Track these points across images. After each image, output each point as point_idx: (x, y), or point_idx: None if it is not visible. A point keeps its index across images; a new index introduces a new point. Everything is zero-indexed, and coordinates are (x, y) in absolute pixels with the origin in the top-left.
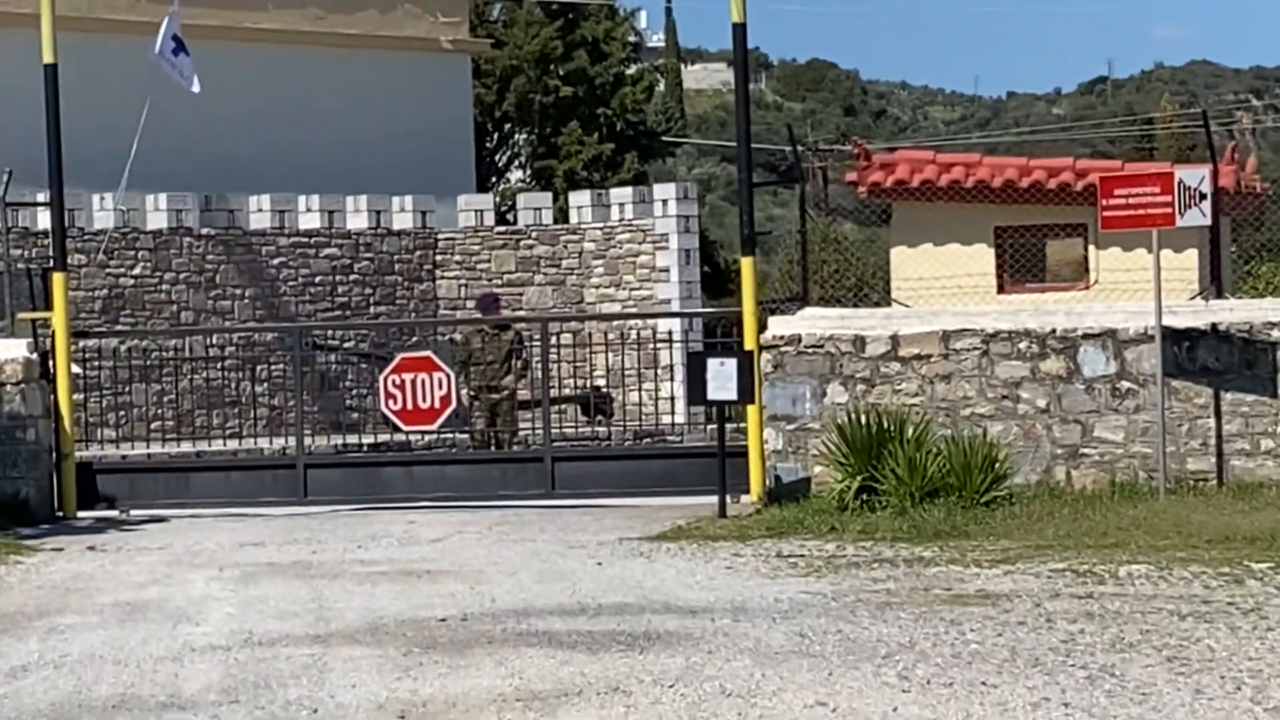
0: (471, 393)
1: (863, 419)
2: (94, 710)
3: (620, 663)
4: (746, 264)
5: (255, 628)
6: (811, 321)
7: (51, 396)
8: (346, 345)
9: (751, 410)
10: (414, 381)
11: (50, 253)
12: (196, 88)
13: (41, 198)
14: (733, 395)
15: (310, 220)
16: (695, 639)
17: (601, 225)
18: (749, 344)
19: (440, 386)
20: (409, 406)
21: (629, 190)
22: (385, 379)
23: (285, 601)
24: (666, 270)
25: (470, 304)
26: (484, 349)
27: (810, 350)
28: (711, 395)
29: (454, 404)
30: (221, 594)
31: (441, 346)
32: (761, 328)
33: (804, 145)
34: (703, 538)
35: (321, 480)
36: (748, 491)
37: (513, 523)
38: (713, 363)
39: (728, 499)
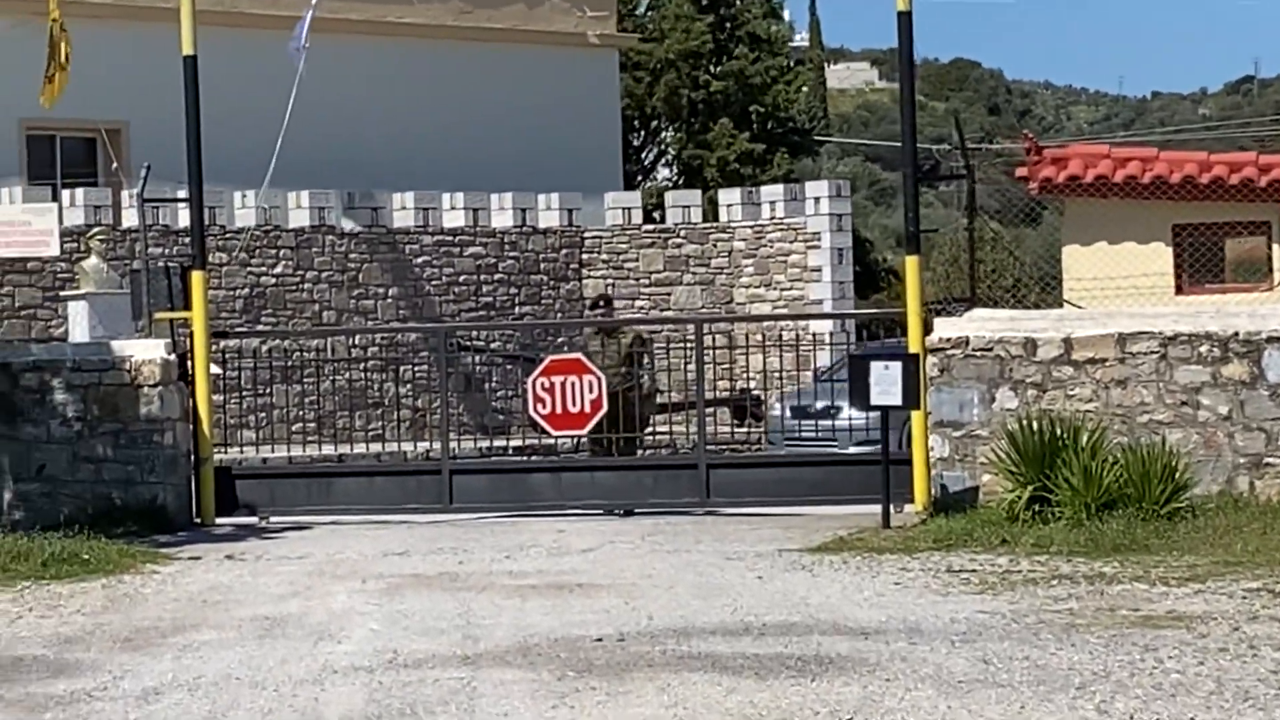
0: None
1: (1034, 425)
2: None
3: (791, 691)
4: (911, 263)
5: (400, 646)
6: (980, 323)
7: (190, 399)
8: (492, 346)
9: (916, 416)
10: (563, 385)
11: (190, 250)
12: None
13: (182, 194)
14: (897, 400)
15: (455, 218)
16: (870, 664)
17: (752, 223)
18: (914, 347)
19: (590, 390)
20: (558, 411)
21: (780, 188)
22: (534, 382)
23: (431, 617)
24: (819, 270)
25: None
26: (601, 352)
27: (979, 353)
28: (875, 400)
29: (605, 408)
30: (365, 608)
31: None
32: (926, 330)
33: (949, 144)
34: (866, 550)
35: (467, 486)
36: (911, 501)
37: (666, 532)
38: (876, 366)
39: (891, 509)
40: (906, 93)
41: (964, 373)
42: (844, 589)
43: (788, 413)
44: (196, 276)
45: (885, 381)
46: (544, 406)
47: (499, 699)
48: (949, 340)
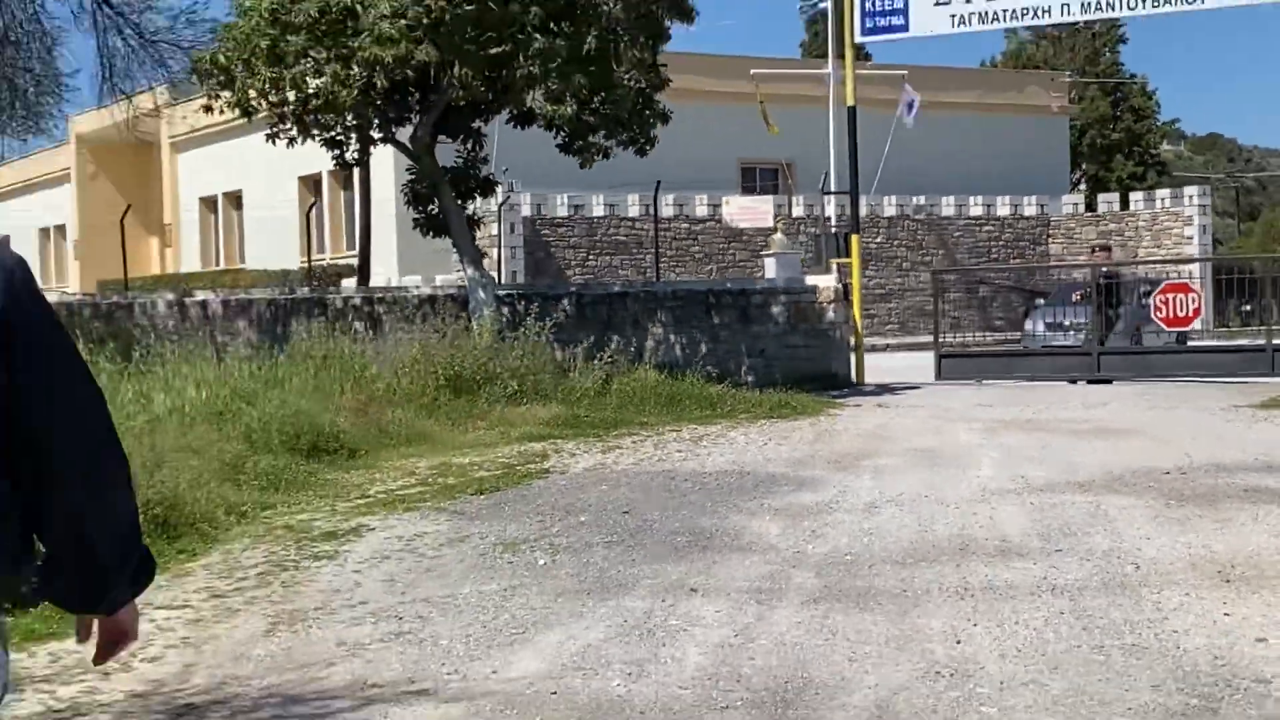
0: None
1: None
2: (945, 552)
3: None
4: None
5: (1024, 473)
6: None
7: (849, 310)
8: (996, 280)
9: None
10: (1173, 299)
11: (844, 223)
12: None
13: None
14: None
15: (979, 211)
16: None
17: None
18: None
19: (1193, 303)
20: (1170, 316)
21: None
22: (1155, 297)
23: (1028, 450)
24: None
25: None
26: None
27: None
28: None
29: (1202, 314)
30: (980, 442)
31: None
32: None
33: None
34: None
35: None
36: None
37: (1148, 395)
38: None
39: None
40: None
41: None
42: None
43: (1041, 326)
44: (854, 239)
45: None
46: (1160, 313)
47: (1129, 523)
48: None
